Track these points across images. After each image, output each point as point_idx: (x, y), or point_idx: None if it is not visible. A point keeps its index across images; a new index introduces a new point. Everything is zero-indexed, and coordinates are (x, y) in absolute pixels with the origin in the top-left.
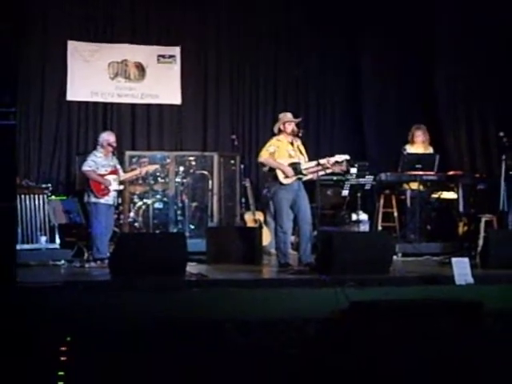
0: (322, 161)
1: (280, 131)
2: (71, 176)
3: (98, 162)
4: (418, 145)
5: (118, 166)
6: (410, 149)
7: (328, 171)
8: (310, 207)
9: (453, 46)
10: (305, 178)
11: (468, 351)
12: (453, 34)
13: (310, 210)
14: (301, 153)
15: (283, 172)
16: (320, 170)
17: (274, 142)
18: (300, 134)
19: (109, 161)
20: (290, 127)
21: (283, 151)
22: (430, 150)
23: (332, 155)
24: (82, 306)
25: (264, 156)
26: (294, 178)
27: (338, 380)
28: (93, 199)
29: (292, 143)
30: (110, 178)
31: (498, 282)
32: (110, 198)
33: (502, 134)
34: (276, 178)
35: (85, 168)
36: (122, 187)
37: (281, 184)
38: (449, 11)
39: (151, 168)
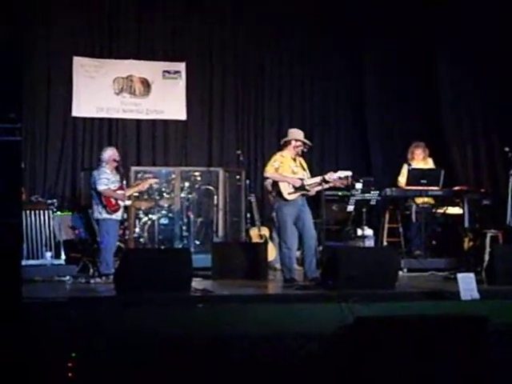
0: (325, 176)
1: (286, 145)
2: (76, 192)
3: (110, 179)
4: (418, 162)
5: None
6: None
7: (331, 185)
8: (313, 222)
9: (457, 60)
10: (308, 194)
11: (474, 366)
12: (456, 48)
13: (315, 225)
14: (303, 169)
15: (291, 185)
16: (323, 186)
17: (278, 158)
18: (305, 150)
19: (115, 176)
20: (299, 147)
21: (286, 167)
22: (431, 163)
23: (336, 171)
24: (88, 322)
25: (270, 171)
26: (298, 194)
27: None
28: (104, 215)
29: (295, 159)
30: (120, 193)
31: (504, 297)
32: (119, 214)
33: (507, 149)
34: (280, 193)
35: (102, 187)
36: (129, 202)
37: (285, 200)
38: (450, 25)
39: (153, 181)
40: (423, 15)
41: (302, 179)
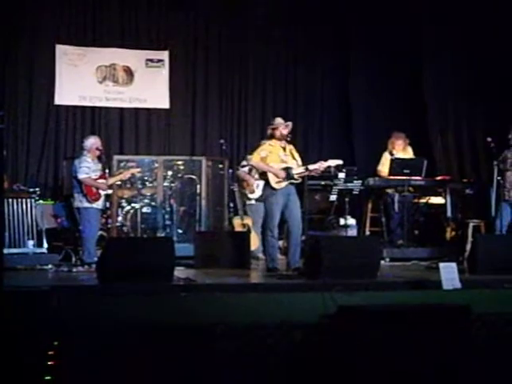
0: (314, 165)
1: (271, 136)
2: (59, 180)
3: (91, 168)
4: (398, 151)
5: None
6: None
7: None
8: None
9: (441, 51)
10: (297, 182)
11: (456, 356)
12: (441, 37)
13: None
14: (293, 158)
15: (275, 175)
16: (312, 174)
17: (267, 147)
18: (288, 138)
19: (97, 165)
20: (280, 132)
21: (275, 156)
22: (410, 152)
23: (321, 160)
24: (70, 311)
25: (255, 159)
26: (286, 183)
27: None
28: (85, 204)
29: (284, 148)
30: (101, 182)
31: (486, 286)
32: (100, 203)
33: (489, 139)
34: (268, 182)
35: (82, 176)
36: (110, 191)
37: (273, 189)
38: (436, 20)
39: (135, 171)
40: (408, 5)
41: (288, 168)
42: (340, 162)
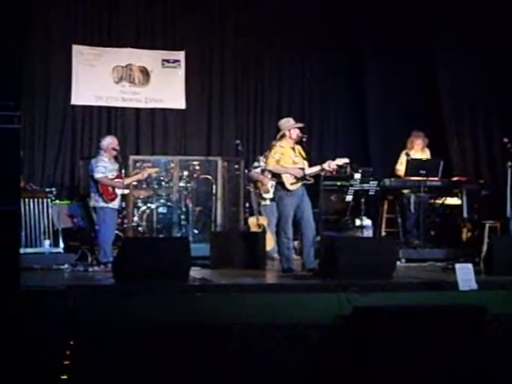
0: (324, 165)
1: (282, 137)
2: (75, 180)
3: (107, 167)
4: (417, 151)
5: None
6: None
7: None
8: (312, 212)
9: (457, 51)
10: (309, 183)
11: (472, 357)
12: (456, 37)
13: (313, 215)
14: (302, 157)
15: (292, 176)
16: (324, 174)
17: (278, 149)
18: (304, 139)
19: (113, 165)
20: (296, 133)
21: (287, 158)
22: (428, 154)
23: (334, 159)
24: (86, 310)
25: (271, 164)
26: (300, 184)
27: None
28: (101, 204)
29: (293, 149)
30: (118, 181)
31: (502, 287)
32: (116, 203)
33: (506, 140)
34: (282, 184)
35: (99, 175)
36: (127, 191)
37: (287, 190)
38: (452, 19)
39: (152, 171)
40: (423, 4)
41: (302, 169)
42: (346, 160)
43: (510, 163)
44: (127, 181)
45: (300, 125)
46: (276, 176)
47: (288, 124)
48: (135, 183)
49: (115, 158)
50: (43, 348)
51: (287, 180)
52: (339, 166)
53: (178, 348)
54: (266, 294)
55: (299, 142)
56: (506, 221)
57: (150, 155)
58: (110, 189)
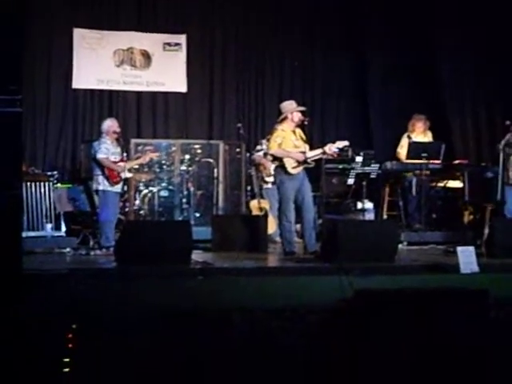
0: (325, 148)
1: (283, 120)
2: (77, 164)
3: (110, 150)
4: (418, 134)
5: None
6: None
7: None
8: (313, 195)
9: (457, 34)
10: (309, 166)
11: (474, 339)
12: (457, 22)
13: (315, 198)
14: (303, 141)
15: (294, 159)
16: (325, 157)
17: (280, 133)
18: (306, 123)
19: (116, 148)
20: (297, 116)
21: (288, 141)
22: (430, 136)
23: (334, 142)
24: (88, 294)
25: (273, 147)
26: (301, 168)
27: (343, 369)
28: (104, 187)
29: (294, 132)
30: (122, 165)
31: (504, 270)
32: (119, 186)
33: (508, 122)
34: (284, 168)
35: (101, 155)
36: (130, 175)
37: (288, 174)
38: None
39: (153, 155)
40: None
41: (304, 152)
42: (347, 143)
43: (500, 146)
44: (129, 164)
45: (302, 108)
46: (277, 160)
47: (290, 107)
48: (137, 167)
49: (117, 140)
50: (45, 332)
51: (289, 164)
52: (340, 149)
53: (179, 331)
54: (268, 277)
55: (301, 125)
56: (500, 204)
57: (151, 139)
58: (116, 172)
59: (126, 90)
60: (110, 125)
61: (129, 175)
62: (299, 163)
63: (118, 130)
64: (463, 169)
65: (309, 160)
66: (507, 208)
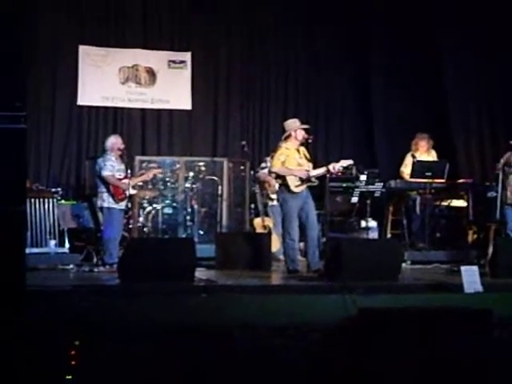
0: (329, 167)
1: (288, 138)
2: (81, 180)
3: (115, 167)
4: (422, 153)
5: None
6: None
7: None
8: (317, 214)
9: (463, 53)
10: (313, 184)
11: (478, 359)
12: (462, 41)
13: (319, 216)
14: (307, 159)
15: (297, 177)
16: (327, 175)
17: (284, 151)
18: (310, 141)
19: (120, 165)
20: (301, 134)
21: (292, 159)
22: (434, 155)
23: (338, 161)
24: (91, 311)
25: (277, 166)
26: (304, 186)
27: None
28: (108, 204)
29: (298, 150)
30: (127, 182)
31: (508, 290)
32: (123, 203)
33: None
34: (287, 186)
35: (106, 173)
36: (135, 192)
37: (291, 192)
38: (457, 21)
39: (157, 172)
40: (427, 5)
41: (307, 171)
42: (351, 161)
43: (499, 166)
44: (133, 181)
45: (306, 126)
46: (280, 178)
47: (294, 125)
48: (141, 183)
49: (121, 157)
50: (48, 348)
51: (292, 182)
52: (344, 168)
53: (183, 349)
54: (272, 295)
55: (305, 143)
56: (501, 224)
57: (155, 156)
58: (121, 189)
59: (130, 107)
60: (114, 142)
61: (133, 192)
62: (302, 181)
63: (122, 146)
64: (467, 188)
65: (312, 178)
66: (509, 227)
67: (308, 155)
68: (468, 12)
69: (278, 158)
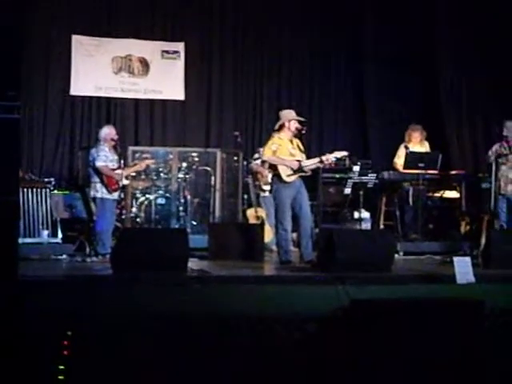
0: (322, 157)
1: (281, 128)
2: (74, 170)
3: (108, 157)
4: (415, 144)
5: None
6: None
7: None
8: (310, 205)
9: (455, 45)
10: (306, 175)
11: (470, 350)
12: (455, 29)
13: (312, 207)
14: (300, 150)
15: (288, 167)
16: (320, 166)
17: (276, 140)
18: (303, 132)
19: (113, 155)
20: (295, 125)
21: (284, 149)
22: (427, 146)
23: (332, 152)
24: (84, 301)
25: (267, 154)
26: (296, 176)
27: (339, 378)
28: (101, 195)
29: (291, 141)
30: (120, 172)
31: (500, 281)
32: (116, 194)
33: (505, 133)
34: (279, 176)
35: (100, 163)
36: (128, 182)
37: (283, 182)
38: (449, 15)
39: (150, 162)
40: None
41: (299, 161)
42: (345, 153)
43: (491, 158)
44: (126, 172)
45: (301, 119)
46: (272, 168)
47: (289, 115)
48: (133, 174)
49: (114, 148)
50: (41, 338)
51: (283, 172)
52: (338, 159)
53: (176, 339)
54: (264, 285)
55: (298, 135)
56: (494, 215)
57: (148, 146)
58: (114, 179)
59: (123, 98)
60: (108, 132)
61: (126, 182)
62: (294, 171)
63: (116, 137)
64: (460, 179)
65: (305, 168)
66: (502, 218)
67: (302, 148)
68: (464, 3)
69: (270, 147)
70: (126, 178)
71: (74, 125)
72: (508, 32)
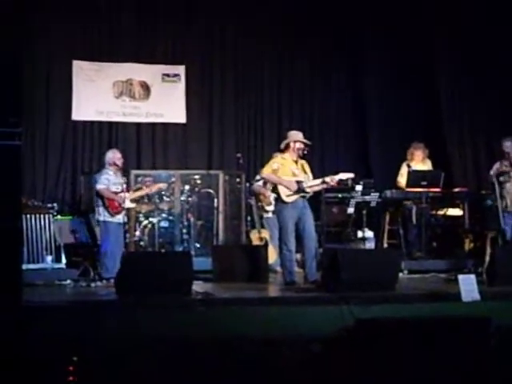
0: (326, 179)
1: (286, 148)
2: (77, 195)
3: (111, 180)
4: (418, 162)
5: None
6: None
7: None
8: (314, 225)
9: (456, 61)
10: (307, 195)
11: (476, 368)
12: (457, 50)
13: (315, 227)
14: (305, 172)
15: (286, 187)
16: (323, 187)
17: (279, 160)
18: (305, 152)
19: (119, 179)
20: (297, 146)
21: (287, 169)
22: (429, 165)
23: (337, 173)
24: (88, 326)
25: (266, 171)
26: (297, 196)
27: None
28: (105, 218)
29: (296, 162)
30: (123, 195)
31: (505, 298)
32: (121, 217)
33: (507, 149)
34: (279, 196)
35: (100, 186)
36: (133, 205)
37: (284, 202)
38: (450, 32)
39: (161, 186)
40: (423, 14)
41: (299, 182)
42: (351, 175)
43: (494, 177)
44: (134, 195)
45: (306, 141)
46: (273, 188)
47: (296, 136)
48: (140, 195)
49: (120, 171)
50: (46, 364)
51: (283, 192)
52: (342, 181)
53: (181, 362)
54: (269, 307)
55: (301, 155)
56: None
57: (151, 169)
58: (116, 203)
59: (125, 122)
60: (111, 156)
61: (132, 205)
62: (294, 192)
63: (120, 161)
64: (463, 197)
65: (306, 189)
66: (510, 236)
67: (307, 168)
68: (462, 18)
69: (270, 165)
70: (133, 201)
71: (76, 150)
72: (509, 49)
